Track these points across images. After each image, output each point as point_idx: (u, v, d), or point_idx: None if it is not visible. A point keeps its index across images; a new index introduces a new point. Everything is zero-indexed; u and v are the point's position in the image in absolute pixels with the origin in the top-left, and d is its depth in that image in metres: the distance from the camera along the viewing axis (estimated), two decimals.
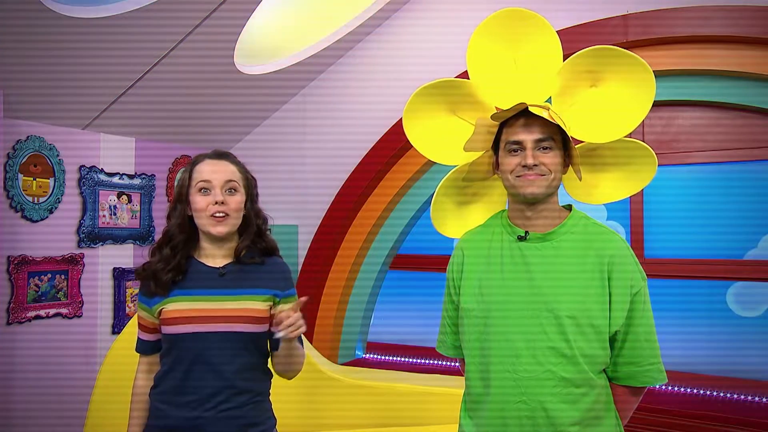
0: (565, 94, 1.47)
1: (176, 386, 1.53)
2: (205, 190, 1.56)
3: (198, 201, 1.55)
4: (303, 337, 1.76)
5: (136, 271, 1.62)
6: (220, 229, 1.56)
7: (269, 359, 1.67)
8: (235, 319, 1.54)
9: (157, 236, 3.70)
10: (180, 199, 1.59)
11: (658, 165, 1.53)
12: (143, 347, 1.66)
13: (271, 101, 4.17)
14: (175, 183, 1.64)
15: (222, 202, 1.55)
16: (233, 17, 3.09)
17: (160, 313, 1.56)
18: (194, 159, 1.63)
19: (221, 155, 1.63)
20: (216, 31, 3.11)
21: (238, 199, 1.59)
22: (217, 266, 1.60)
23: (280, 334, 1.44)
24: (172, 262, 1.55)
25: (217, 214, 1.55)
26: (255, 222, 1.64)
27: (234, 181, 1.59)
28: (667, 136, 3.25)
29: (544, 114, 1.33)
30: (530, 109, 1.34)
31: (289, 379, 1.70)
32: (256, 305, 1.57)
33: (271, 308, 1.60)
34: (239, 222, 1.61)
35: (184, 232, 1.58)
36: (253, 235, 1.64)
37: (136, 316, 1.71)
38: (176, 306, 1.54)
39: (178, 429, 1.52)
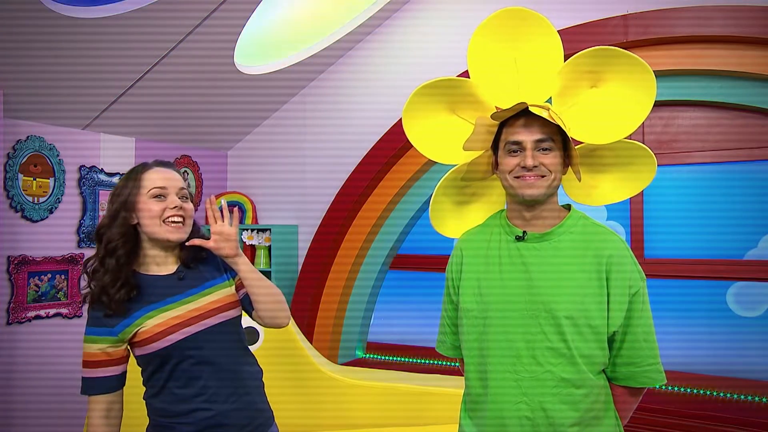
0: (565, 94, 1.47)
1: (178, 395, 1.50)
2: (160, 197, 1.52)
3: (152, 207, 1.51)
4: (297, 328, 1.76)
5: (88, 296, 1.50)
6: (179, 236, 1.53)
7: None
8: (216, 310, 1.55)
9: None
10: (126, 207, 1.51)
11: (658, 165, 1.53)
12: (104, 386, 1.48)
13: (271, 101, 4.17)
14: (112, 194, 1.57)
15: (180, 207, 1.53)
16: (233, 17, 3.09)
17: (134, 335, 1.48)
18: (138, 168, 1.57)
19: (167, 164, 1.60)
20: (216, 31, 3.11)
21: (191, 207, 1.58)
22: (170, 273, 1.57)
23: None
24: (120, 276, 1.48)
25: (175, 220, 1.52)
26: (196, 229, 1.62)
27: (185, 189, 1.58)
28: (667, 136, 3.25)
29: (544, 114, 1.33)
30: (530, 109, 1.33)
31: (281, 324, 1.62)
32: (226, 291, 1.59)
33: (235, 289, 1.63)
34: (190, 230, 1.59)
35: (129, 242, 1.51)
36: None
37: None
38: (155, 321, 1.48)
39: None
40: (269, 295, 1.58)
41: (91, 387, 1.49)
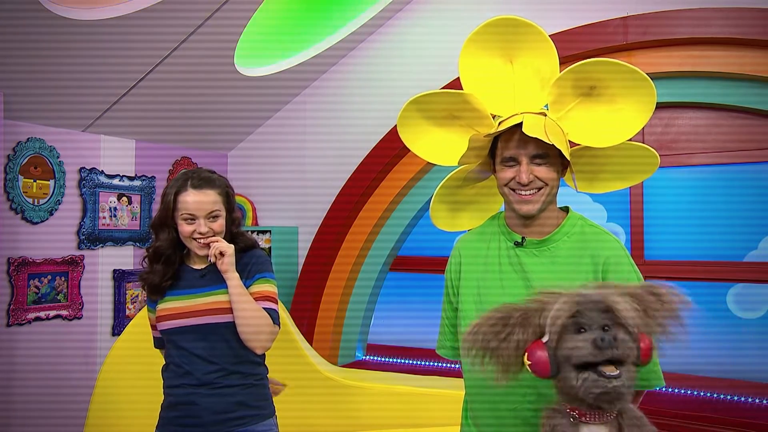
0: (561, 102, 1.44)
1: (175, 371, 1.76)
2: (190, 220, 1.74)
3: (184, 228, 1.75)
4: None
5: (140, 277, 1.84)
6: (204, 251, 1.76)
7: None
8: (206, 312, 1.74)
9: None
10: (166, 222, 1.77)
11: (659, 167, 1.52)
12: (156, 343, 1.91)
13: (271, 102, 4.17)
14: (162, 201, 1.82)
15: (206, 231, 1.74)
16: (234, 18, 3.10)
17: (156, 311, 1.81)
18: (177, 185, 1.77)
19: (202, 184, 1.77)
20: (217, 32, 3.11)
21: (220, 223, 1.78)
22: (199, 268, 1.82)
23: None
24: (167, 275, 1.78)
25: (202, 240, 1.75)
26: (230, 229, 1.82)
27: (216, 209, 1.76)
28: (668, 137, 3.25)
29: (539, 133, 1.30)
30: (524, 130, 1.30)
31: (253, 348, 1.74)
32: (222, 297, 1.75)
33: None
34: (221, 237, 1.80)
35: (173, 247, 1.79)
36: (228, 239, 1.81)
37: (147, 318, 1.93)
38: (166, 305, 1.77)
39: (178, 404, 1.74)
40: (250, 318, 1.73)
41: (154, 342, 1.92)
